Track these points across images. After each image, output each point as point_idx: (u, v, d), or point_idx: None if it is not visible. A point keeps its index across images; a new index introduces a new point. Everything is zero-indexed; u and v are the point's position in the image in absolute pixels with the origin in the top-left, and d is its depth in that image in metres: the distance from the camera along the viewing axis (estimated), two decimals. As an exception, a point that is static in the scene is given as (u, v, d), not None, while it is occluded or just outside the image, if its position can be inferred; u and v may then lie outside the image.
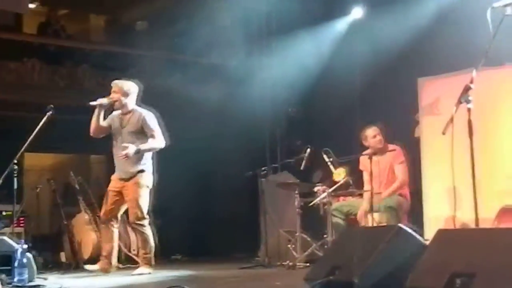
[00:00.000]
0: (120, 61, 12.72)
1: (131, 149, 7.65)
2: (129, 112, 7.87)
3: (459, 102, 5.96)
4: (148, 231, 7.95)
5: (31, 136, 7.26)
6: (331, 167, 8.69)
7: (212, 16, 11.15)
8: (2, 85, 11.71)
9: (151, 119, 7.87)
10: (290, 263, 8.21)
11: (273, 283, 6.29)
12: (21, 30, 13.15)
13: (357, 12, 10.80)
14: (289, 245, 8.63)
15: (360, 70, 10.20)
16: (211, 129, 11.97)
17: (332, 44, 10.84)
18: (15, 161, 7.13)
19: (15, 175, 7.12)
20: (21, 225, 10.04)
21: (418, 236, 4.37)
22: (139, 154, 7.71)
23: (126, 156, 7.61)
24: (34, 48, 12.43)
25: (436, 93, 8.92)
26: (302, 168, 9.14)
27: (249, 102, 11.70)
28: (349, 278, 4.08)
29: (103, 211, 8.08)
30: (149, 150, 7.81)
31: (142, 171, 7.82)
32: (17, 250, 6.48)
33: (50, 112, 7.43)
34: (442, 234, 4.11)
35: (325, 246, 8.10)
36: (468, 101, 5.39)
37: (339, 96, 10.44)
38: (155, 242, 8.16)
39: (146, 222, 7.91)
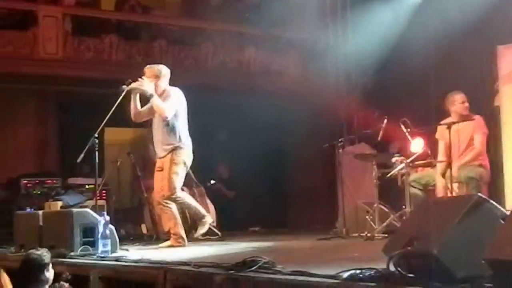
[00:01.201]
0: (195, 35, 12.83)
1: (148, 87, 7.74)
2: (162, 92, 7.92)
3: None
4: (171, 210, 7.91)
5: (111, 111, 7.40)
6: (409, 137, 8.60)
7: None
8: (81, 62, 11.95)
9: (174, 94, 7.90)
10: (368, 234, 8.20)
11: (352, 254, 6.29)
12: (99, 6, 13.37)
13: (432, -19, 10.61)
14: (367, 216, 8.61)
15: (435, 39, 10.04)
16: (287, 101, 11.99)
17: (407, 14, 10.68)
18: (96, 136, 7.28)
19: (96, 149, 7.27)
20: (103, 198, 10.28)
21: (498, 206, 4.30)
22: (152, 98, 7.75)
23: (140, 87, 7.73)
24: (111, 25, 12.63)
25: (516, 61, 8.72)
26: (379, 139, 9.08)
27: (324, 74, 11.67)
28: (427, 249, 4.05)
29: (154, 192, 8.20)
30: (157, 106, 7.77)
31: (178, 147, 7.87)
32: (100, 222, 6.67)
33: (126, 91, 7.58)
34: (523, 204, 4.05)
35: (403, 217, 8.05)
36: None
37: (415, 66, 10.31)
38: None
39: (171, 199, 7.87)
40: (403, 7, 10.78)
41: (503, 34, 9.05)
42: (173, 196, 7.87)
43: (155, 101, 7.77)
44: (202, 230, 8.18)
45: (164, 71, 8.04)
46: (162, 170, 7.96)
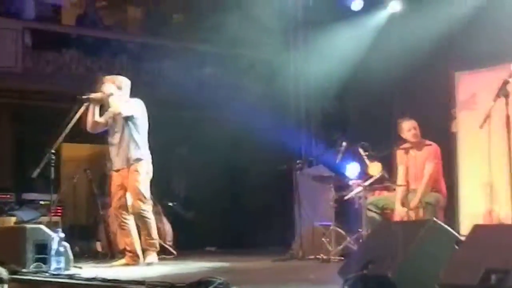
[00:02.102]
0: (156, 52, 12.81)
1: (106, 86, 7.72)
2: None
3: (497, 96, 5.91)
4: (151, 217, 7.89)
5: (68, 127, 7.31)
6: (367, 161, 8.65)
7: (248, 9, 11.16)
8: (40, 76, 11.85)
9: (134, 102, 7.85)
10: (324, 257, 8.20)
11: (307, 276, 6.29)
12: (60, 21, 13.28)
13: (394, 6, 10.72)
14: (323, 239, 8.62)
15: (397, 64, 10.14)
16: (245, 121, 11.99)
17: (369, 38, 10.76)
18: (53, 151, 7.18)
19: (53, 165, 7.17)
20: (58, 214, 10.14)
21: (453, 231, 4.34)
22: (111, 97, 7.71)
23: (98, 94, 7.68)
24: (72, 39, 12.56)
25: (473, 88, 8.85)
26: (337, 161, 9.12)
27: (284, 95, 11.70)
28: (383, 273, 4.07)
29: (112, 207, 8.02)
30: (114, 103, 7.72)
31: (139, 159, 7.78)
32: (53, 239, 6.56)
33: (88, 103, 7.48)
34: (477, 230, 4.08)
35: (360, 240, 8.08)
36: (506, 95, 5.32)
37: (376, 89, 10.39)
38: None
39: (149, 208, 7.84)
40: (365, 31, 10.86)
41: (461, 61, 9.18)
42: (147, 205, 7.77)
43: (113, 100, 7.69)
44: (150, 258, 7.88)
45: (126, 82, 7.96)
46: (121, 184, 7.83)
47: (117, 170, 7.88)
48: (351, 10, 10.98)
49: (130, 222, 7.87)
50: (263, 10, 10.79)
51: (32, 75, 11.79)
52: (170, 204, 11.90)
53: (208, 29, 12.40)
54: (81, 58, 12.30)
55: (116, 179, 7.91)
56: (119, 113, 7.74)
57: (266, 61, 12.50)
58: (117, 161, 7.89)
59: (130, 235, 7.85)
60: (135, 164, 7.77)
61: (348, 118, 11.22)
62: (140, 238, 7.96)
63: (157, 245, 8.00)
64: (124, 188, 7.87)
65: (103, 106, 7.88)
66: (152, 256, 7.87)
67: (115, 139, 7.88)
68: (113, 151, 7.94)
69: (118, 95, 7.83)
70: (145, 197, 7.78)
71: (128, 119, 7.77)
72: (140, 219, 7.88)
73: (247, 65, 12.77)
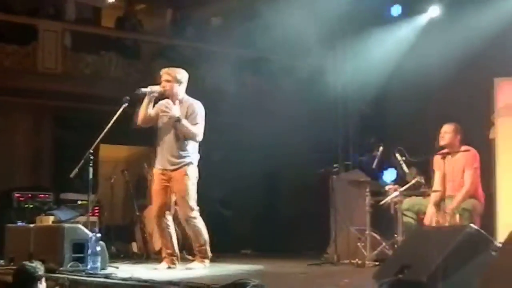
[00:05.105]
0: (194, 56, 12.87)
1: (176, 111, 7.42)
2: (181, 101, 7.58)
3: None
4: (200, 223, 7.62)
5: (106, 128, 7.34)
6: (404, 166, 8.61)
7: (286, 15, 11.17)
8: (79, 78, 11.98)
9: (200, 110, 7.58)
10: (359, 261, 8.18)
11: (342, 281, 6.28)
12: (100, 23, 13.42)
13: (433, 11, 10.66)
14: (358, 243, 8.61)
15: (435, 69, 10.08)
16: (282, 125, 11.99)
17: (408, 42, 10.73)
18: (91, 152, 7.21)
19: (91, 165, 7.20)
20: (96, 214, 10.25)
21: (490, 238, 4.30)
22: (179, 123, 7.40)
23: (169, 113, 7.40)
24: (111, 42, 12.68)
25: (512, 94, 8.74)
26: (374, 166, 9.08)
27: (321, 100, 11.69)
28: (418, 278, 4.05)
29: (156, 208, 7.67)
30: (187, 130, 7.45)
31: (190, 163, 7.52)
32: (90, 238, 6.65)
33: (126, 104, 7.47)
34: (515, 237, 4.04)
35: (395, 245, 8.04)
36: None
37: (413, 95, 10.34)
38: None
39: (196, 214, 7.58)
40: (404, 36, 10.83)
41: (500, 67, 9.10)
42: (195, 213, 7.56)
43: (186, 126, 7.44)
44: (194, 265, 7.68)
45: (185, 76, 7.67)
46: (166, 187, 7.56)
47: (164, 170, 7.60)
48: (391, 15, 10.96)
49: (171, 224, 7.66)
50: (302, 16, 10.79)
51: (71, 77, 11.92)
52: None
53: (246, 34, 12.44)
54: (119, 61, 12.41)
55: (161, 178, 7.59)
56: (198, 141, 7.57)
57: (303, 66, 12.50)
58: (165, 160, 7.57)
59: (169, 236, 7.63)
60: (184, 168, 7.50)
61: (386, 123, 11.17)
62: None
63: (206, 252, 7.72)
64: (169, 189, 7.61)
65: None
66: (196, 263, 7.66)
67: (167, 137, 7.57)
68: (164, 149, 7.59)
69: (181, 89, 7.60)
70: (192, 205, 7.53)
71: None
72: (189, 225, 7.64)
73: (285, 70, 12.78)
